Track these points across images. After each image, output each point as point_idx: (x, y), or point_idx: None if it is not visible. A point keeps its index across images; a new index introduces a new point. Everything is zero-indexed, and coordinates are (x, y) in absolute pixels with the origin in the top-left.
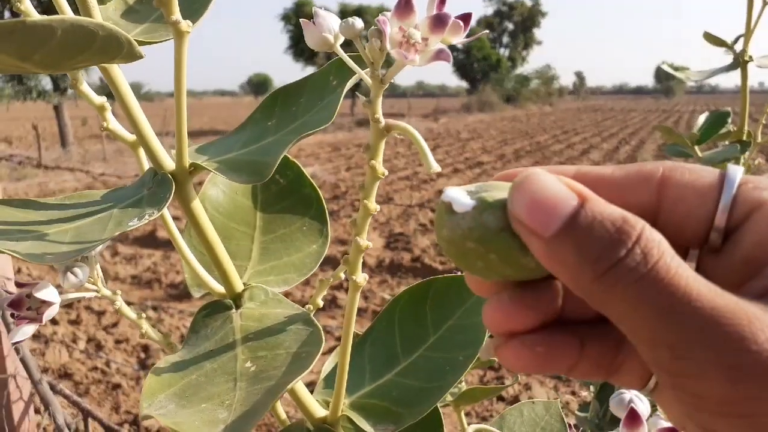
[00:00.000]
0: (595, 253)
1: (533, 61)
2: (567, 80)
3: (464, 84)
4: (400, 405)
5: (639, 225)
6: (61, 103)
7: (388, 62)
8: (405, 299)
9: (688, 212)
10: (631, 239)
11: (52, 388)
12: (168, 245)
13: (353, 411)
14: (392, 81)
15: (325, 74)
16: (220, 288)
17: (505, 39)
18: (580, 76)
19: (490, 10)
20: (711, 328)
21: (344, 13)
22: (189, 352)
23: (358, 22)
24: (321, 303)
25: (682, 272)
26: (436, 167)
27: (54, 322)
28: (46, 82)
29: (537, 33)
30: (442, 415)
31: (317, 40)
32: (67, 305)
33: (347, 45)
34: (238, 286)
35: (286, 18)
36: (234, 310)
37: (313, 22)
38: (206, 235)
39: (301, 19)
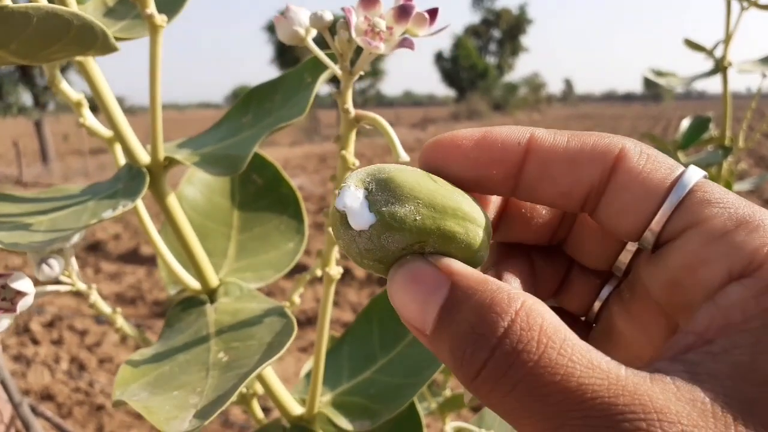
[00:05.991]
0: (460, 353)
1: (521, 69)
2: (556, 87)
3: (452, 93)
4: (377, 401)
5: (512, 308)
6: (41, 118)
7: (360, 56)
8: (384, 298)
9: (631, 204)
10: (496, 332)
11: (34, 410)
12: (151, 262)
13: (331, 408)
14: (378, 90)
15: (300, 72)
16: (195, 284)
17: (493, 47)
18: (568, 83)
19: (476, 19)
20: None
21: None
22: (163, 345)
23: (327, 14)
24: (298, 300)
25: (573, 364)
26: (405, 156)
27: (36, 342)
28: (27, 98)
29: (524, 40)
30: (423, 419)
31: (289, 33)
32: (49, 325)
33: (325, 46)
34: (214, 281)
35: (271, 29)
36: (209, 305)
37: (285, 17)
38: (181, 230)
39: (274, 16)
